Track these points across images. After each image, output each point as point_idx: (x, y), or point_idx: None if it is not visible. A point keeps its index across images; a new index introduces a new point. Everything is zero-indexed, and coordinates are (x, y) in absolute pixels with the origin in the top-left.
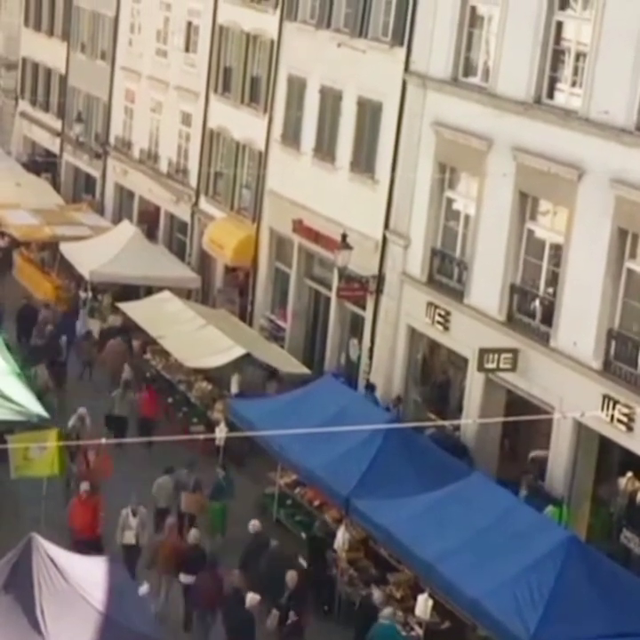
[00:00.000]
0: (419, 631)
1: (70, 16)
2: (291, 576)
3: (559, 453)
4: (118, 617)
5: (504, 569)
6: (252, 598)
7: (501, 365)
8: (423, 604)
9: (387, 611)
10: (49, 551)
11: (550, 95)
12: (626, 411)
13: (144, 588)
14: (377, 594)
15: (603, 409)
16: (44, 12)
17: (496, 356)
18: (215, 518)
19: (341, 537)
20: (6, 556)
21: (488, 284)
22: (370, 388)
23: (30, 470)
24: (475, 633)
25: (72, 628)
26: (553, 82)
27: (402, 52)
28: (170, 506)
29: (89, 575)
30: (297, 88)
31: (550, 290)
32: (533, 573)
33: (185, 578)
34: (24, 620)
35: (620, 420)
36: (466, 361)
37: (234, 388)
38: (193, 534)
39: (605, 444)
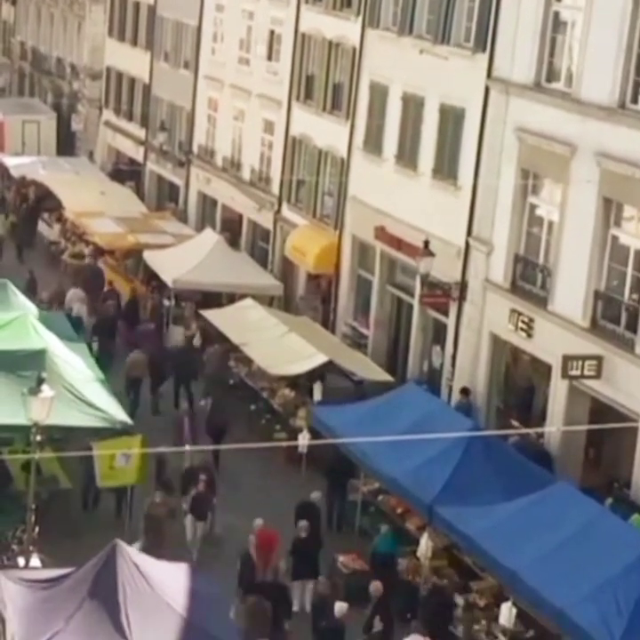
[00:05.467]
0: None
1: (154, 26)
2: (375, 586)
3: None
4: (201, 623)
5: (589, 578)
6: (340, 607)
7: (586, 372)
8: (507, 613)
9: (383, 527)
10: (133, 557)
11: (634, 100)
12: None
13: None
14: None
15: None
16: (128, 22)
17: (580, 362)
18: None
19: (425, 545)
20: (91, 561)
21: (572, 291)
22: (464, 392)
23: (116, 479)
24: None
25: (156, 632)
26: (637, 86)
27: (484, 58)
28: None
29: (172, 581)
30: (379, 95)
31: (635, 296)
32: (619, 583)
33: None
34: (109, 625)
35: None
36: (549, 368)
37: (316, 396)
38: None
39: None
